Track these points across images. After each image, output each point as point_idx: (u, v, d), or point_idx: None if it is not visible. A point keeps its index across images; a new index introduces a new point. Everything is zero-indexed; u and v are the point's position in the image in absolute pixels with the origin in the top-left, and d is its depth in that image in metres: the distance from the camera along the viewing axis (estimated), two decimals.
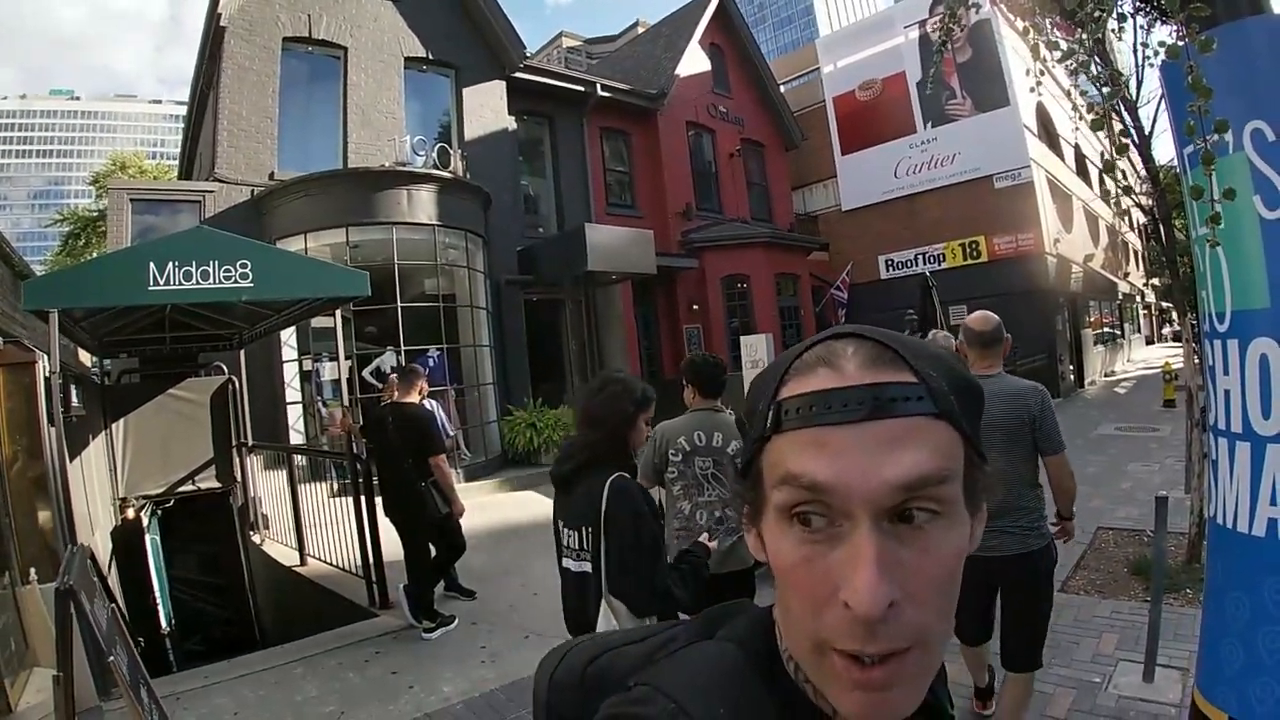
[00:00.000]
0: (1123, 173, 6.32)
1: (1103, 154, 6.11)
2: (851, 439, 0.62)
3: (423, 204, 13.39)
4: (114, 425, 8.81)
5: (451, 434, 9.09)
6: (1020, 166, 20.61)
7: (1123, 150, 5.93)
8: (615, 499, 2.72)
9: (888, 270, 23.08)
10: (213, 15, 13.37)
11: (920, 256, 22.20)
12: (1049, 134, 23.14)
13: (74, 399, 6.76)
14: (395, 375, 6.90)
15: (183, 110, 19.76)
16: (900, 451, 0.62)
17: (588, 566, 2.82)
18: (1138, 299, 38.80)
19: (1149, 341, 44.15)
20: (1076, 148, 25.18)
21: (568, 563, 2.94)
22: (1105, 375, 26.01)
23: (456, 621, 6.25)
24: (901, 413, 0.63)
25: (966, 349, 3.92)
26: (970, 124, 21.41)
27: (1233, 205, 2.31)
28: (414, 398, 6.40)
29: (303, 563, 8.38)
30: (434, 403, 7.84)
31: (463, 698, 4.97)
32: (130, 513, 9.05)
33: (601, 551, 2.75)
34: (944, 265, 21.55)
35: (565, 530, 2.92)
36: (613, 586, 2.74)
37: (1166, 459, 10.56)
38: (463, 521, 6.55)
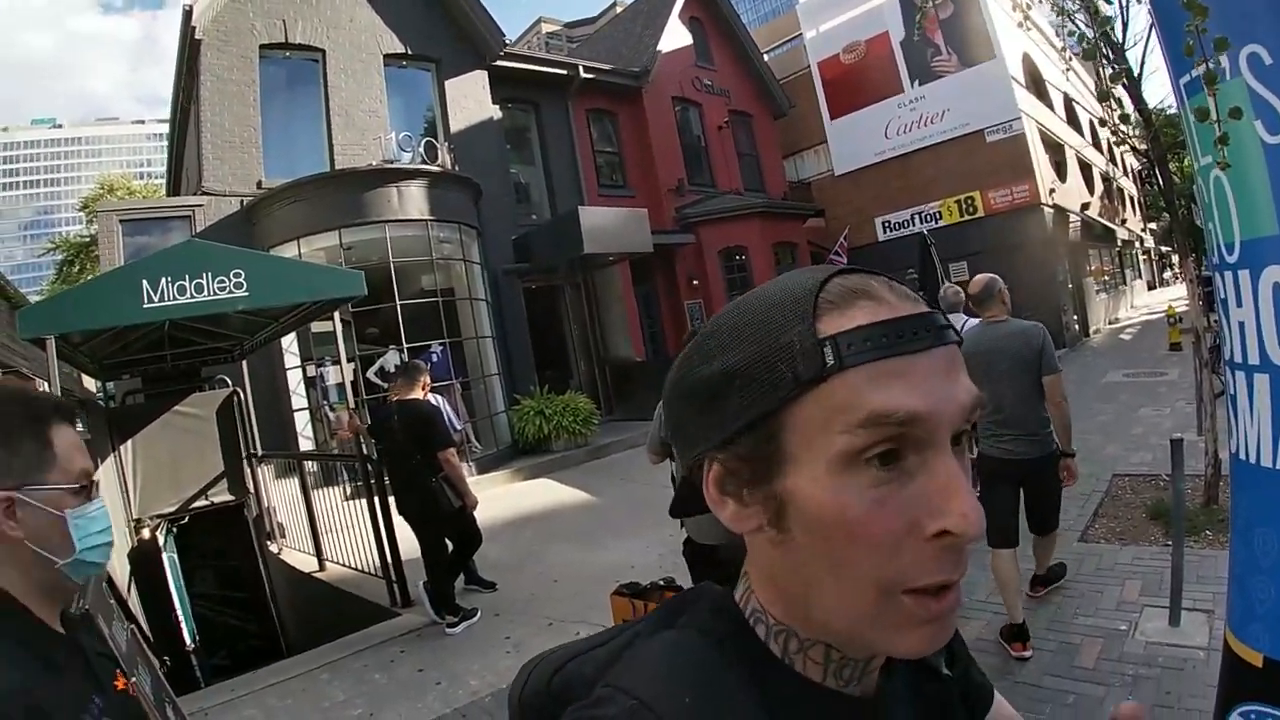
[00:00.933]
0: (1118, 102, 6.26)
1: (1097, 83, 6.04)
2: (927, 367, 0.61)
3: (413, 200, 13.35)
4: (122, 447, 8.74)
5: (459, 427, 9.08)
6: (1010, 119, 20.49)
7: (1116, 79, 5.85)
8: None
9: (885, 232, 22.99)
10: (187, 29, 13.25)
11: (917, 216, 22.13)
12: (1037, 84, 23.00)
13: (79, 425, 6.68)
14: (398, 373, 6.84)
15: (166, 128, 19.69)
16: (959, 376, 0.63)
17: None
18: (1136, 245, 38.63)
19: (1150, 287, 43.96)
20: (1065, 97, 25.01)
21: None
22: (1109, 323, 25.93)
23: (479, 614, 6.25)
24: (949, 340, 0.64)
25: (974, 307, 4.82)
26: (957, 79, 21.26)
27: (1235, 132, 2.25)
28: (418, 394, 6.38)
29: (321, 568, 8.39)
30: (439, 398, 7.81)
31: (490, 690, 4.95)
32: (146, 533, 9.02)
33: None
34: (941, 223, 21.44)
35: None
36: None
37: (1177, 402, 10.52)
38: (478, 513, 6.53)
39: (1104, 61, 6.14)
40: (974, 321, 5.34)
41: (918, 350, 0.61)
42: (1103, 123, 5.82)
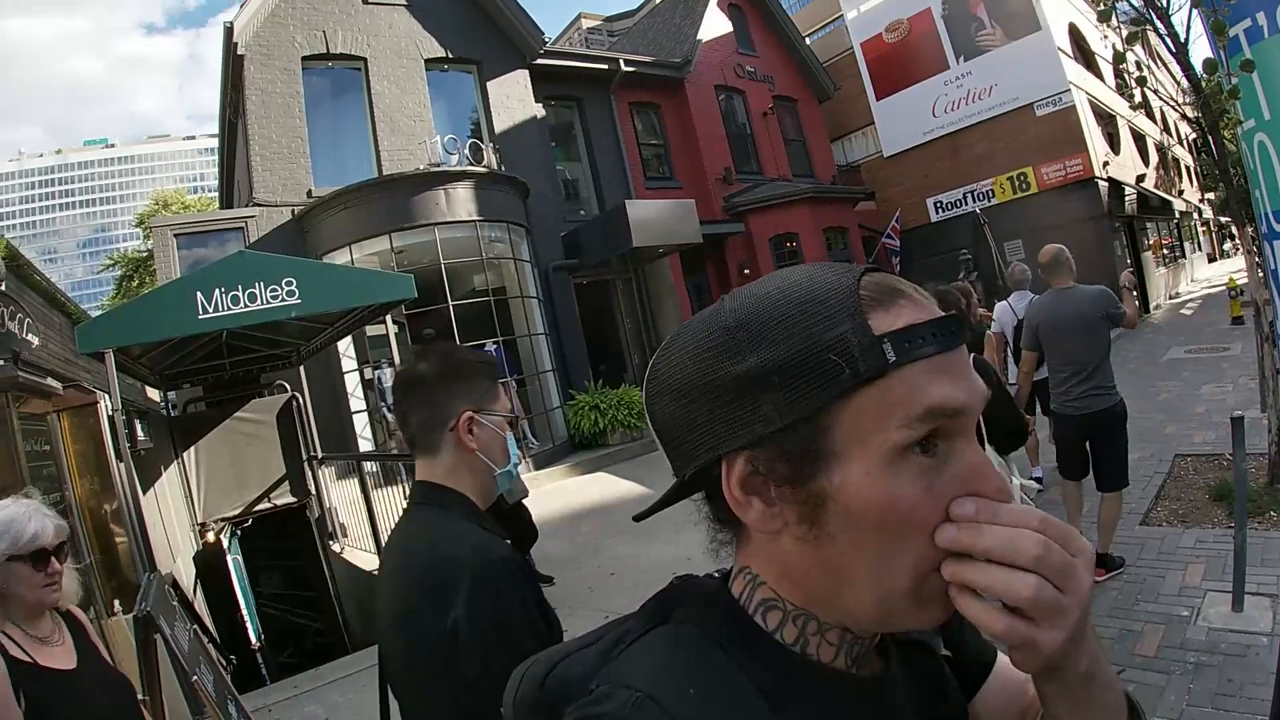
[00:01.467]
0: (1137, 64, 6.03)
1: (1113, 47, 5.86)
2: (962, 362, 0.66)
3: (461, 201, 13.40)
4: (185, 454, 8.94)
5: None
6: (1060, 91, 19.96)
7: (1133, 39, 5.66)
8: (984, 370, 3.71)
9: (938, 212, 22.55)
10: (229, 46, 13.50)
11: (969, 195, 21.68)
12: (1084, 54, 22.42)
13: (140, 433, 6.85)
14: None
15: (216, 143, 20.03)
16: (973, 372, 0.67)
17: None
18: (1195, 216, 37.48)
19: (1211, 259, 42.60)
20: (1114, 65, 24.43)
21: None
22: (1170, 297, 25.21)
23: None
24: (966, 338, 0.68)
25: (1045, 276, 5.25)
26: (1003, 53, 20.78)
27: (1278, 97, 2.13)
28: None
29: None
30: None
31: None
32: (210, 536, 9.21)
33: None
34: (994, 201, 21.06)
35: None
36: None
37: (1240, 378, 10.23)
38: (537, 508, 6.53)
39: (1126, 20, 5.96)
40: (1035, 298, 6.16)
41: (955, 347, 0.65)
42: (1139, 82, 5.68)
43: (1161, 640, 4.05)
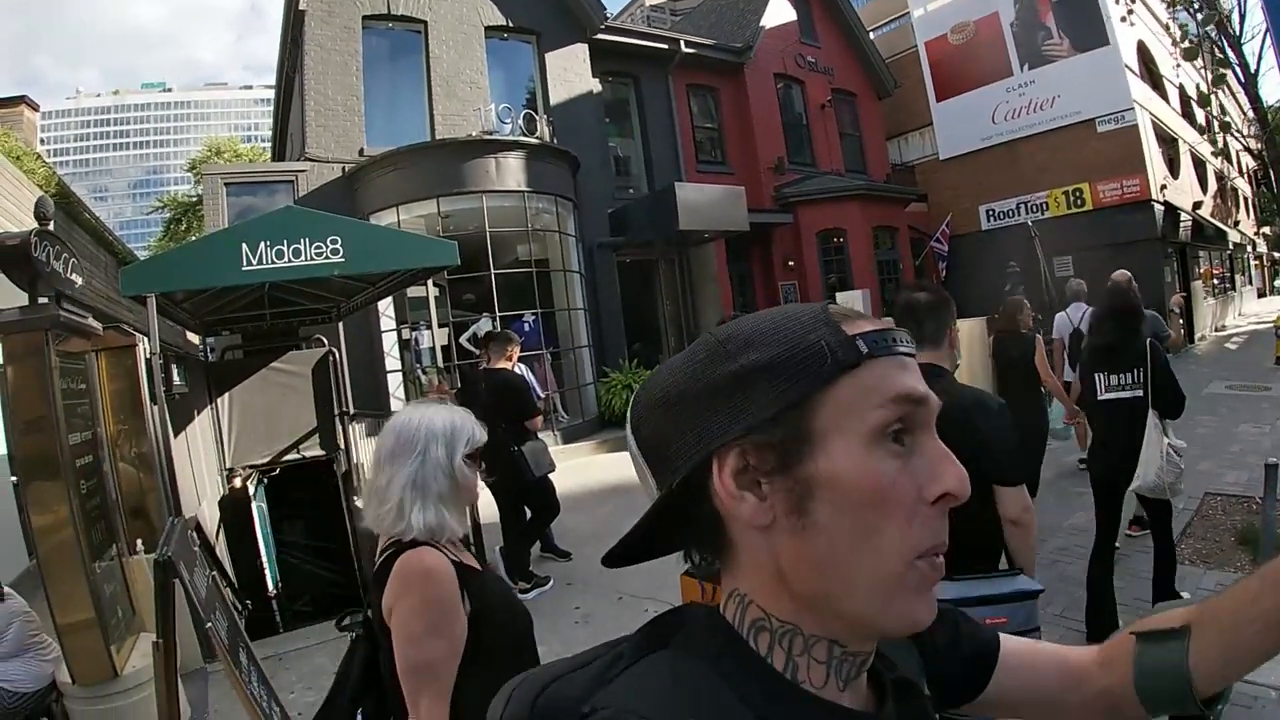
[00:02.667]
0: (1220, 107, 5.86)
1: (1198, 87, 5.73)
2: (915, 366, 0.73)
3: (511, 171, 13.40)
4: (219, 400, 9.04)
5: (542, 397, 9.13)
6: (1123, 109, 19.56)
7: (1219, 81, 5.49)
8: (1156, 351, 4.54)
9: (989, 220, 22.20)
10: (291, 1, 13.49)
11: (1022, 205, 21.33)
12: (1151, 74, 21.98)
13: (176, 378, 6.90)
14: (490, 342, 6.87)
15: (272, 94, 20.14)
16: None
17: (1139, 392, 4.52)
18: (1249, 249, 36.71)
19: (1261, 294, 41.57)
20: (1181, 89, 23.93)
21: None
22: (1216, 330, 24.68)
23: (552, 582, 6.35)
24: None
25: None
26: (1069, 65, 20.39)
27: None
28: (506, 363, 6.43)
29: None
30: (522, 366, 7.82)
31: (555, 658, 4.90)
32: (237, 482, 9.33)
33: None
34: (1047, 214, 20.73)
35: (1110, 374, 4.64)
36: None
37: (1278, 420, 10.02)
38: (561, 483, 6.56)
39: (1211, 59, 5.78)
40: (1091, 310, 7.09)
41: (910, 353, 0.73)
42: (1223, 127, 5.54)
43: None
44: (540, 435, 6.59)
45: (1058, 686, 0.97)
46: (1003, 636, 0.99)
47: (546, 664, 0.81)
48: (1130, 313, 4.70)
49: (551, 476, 6.54)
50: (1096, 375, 4.73)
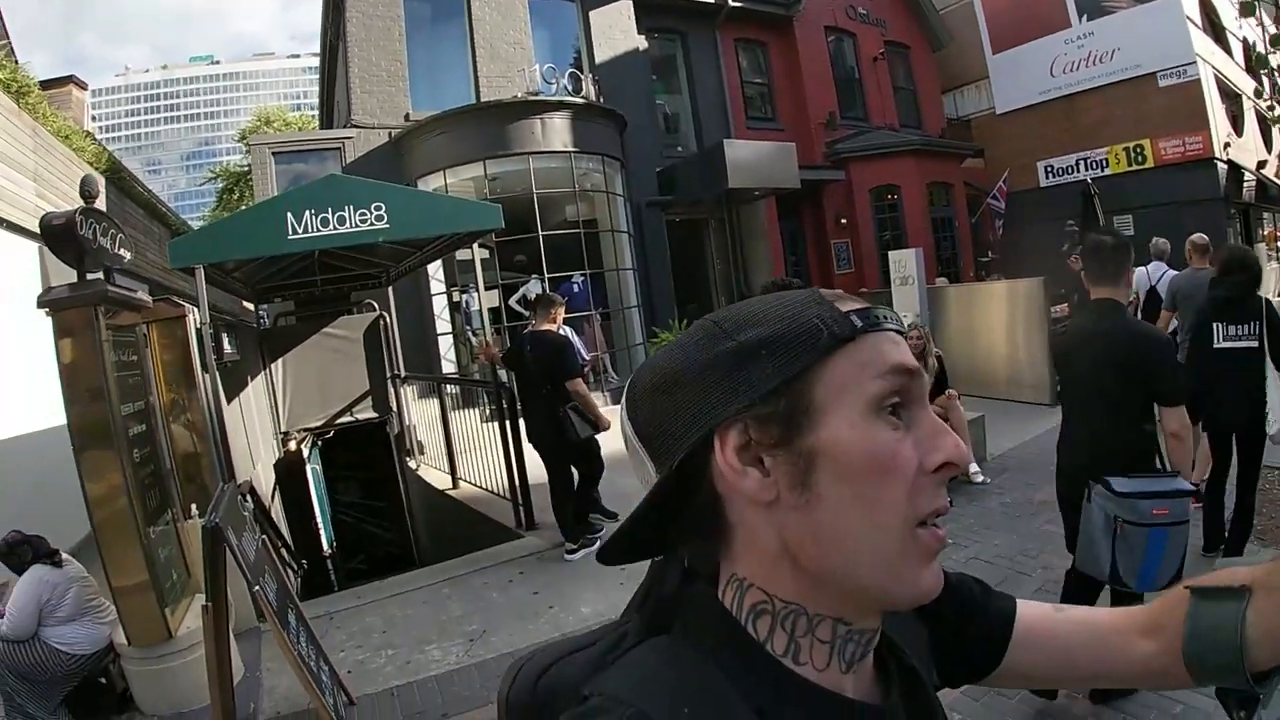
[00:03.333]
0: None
1: (1253, 46, 5.52)
2: (904, 341, 0.73)
3: (557, 132, 13.33)
4: (272, 365, 9.25)
5: (587, 358, 9.15)
6: (1185, 63, 19.04)
7: (1278, 42, 5.22)
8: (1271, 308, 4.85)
9: (1047, 177, 21.71)
10: None
11: (1082, 162, 20.87)
12: (1214, 26, 21.21)
13: (227, 345, 7.01)
14: (535, 304, 6.89)
15: (319, 61, 20.25)
16: None
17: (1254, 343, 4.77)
18: None
19: None
20: (1245, 42, 23.04)
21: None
22: (1277, 295, 23.93)
23: (600, 543, 6.29)
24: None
25: (1193, 258, 6.85)
26: (1129, 16, 19.83)
27: None
28: (551, 325, 6.41)
29: (455, 486, 8.76)
30: (568, 329, 7.82)
31: (600, 619, 5.00)
32: (292, 445, 9.54)
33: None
34: (1107, 171, 20.28)
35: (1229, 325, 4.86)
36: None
37: None
38: (609, 444, 6.56)
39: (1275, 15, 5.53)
40: (1171, 272, 7.93)
41: (900, 331, 0.73)
42: (1262, 63, 5.38)
43: None
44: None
45: (1086, 653, 0.93)
46: (1021, 603, 0.95)
47: (552, 643, 0.84)
48: (1251, 269, 4.94)
49: (600, 439, 6.54)
50: (1215, 325, 5.00)
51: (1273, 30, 4.78)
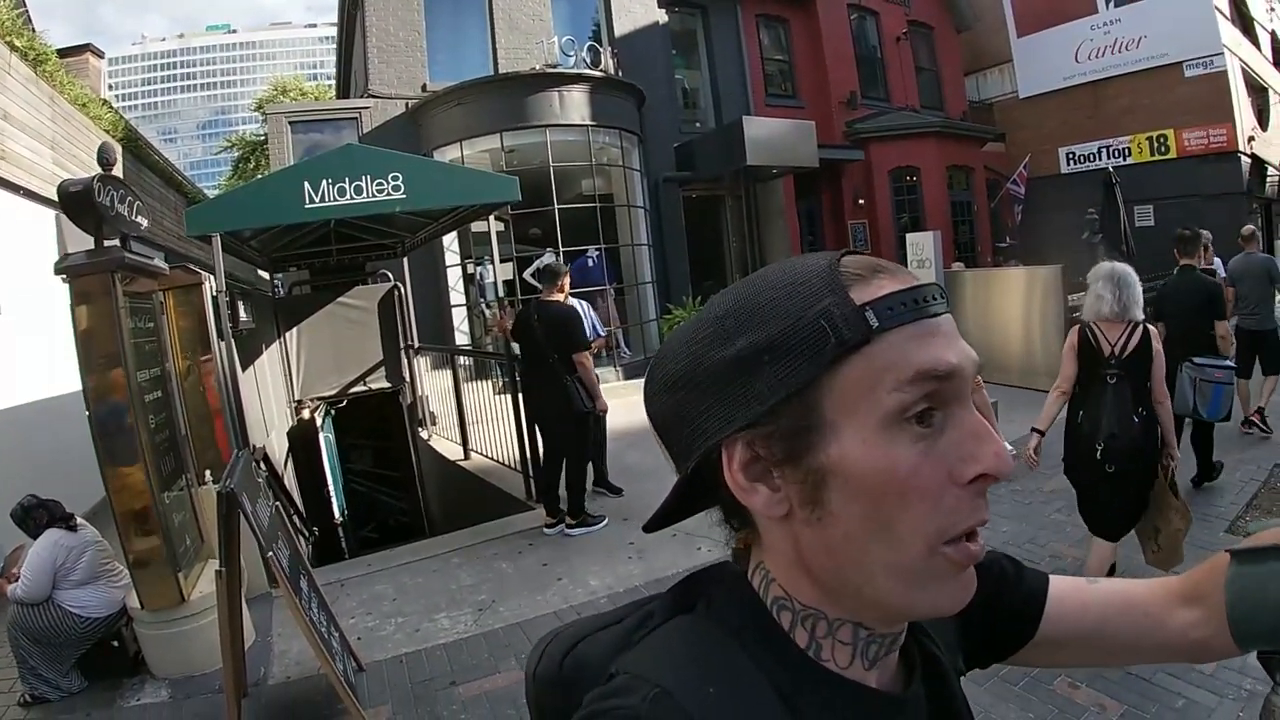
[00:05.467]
0: None
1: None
2: (949, 328, 0.65)
3: (575, 105, 13.28)
4: (287, 334, 9.32)
5: (601, 333, 9.19)
6: (1212, 54, 18.91)
7: None
8: None
9: (1069, 164, 21.60)
10: None
11: (1104, 150, 20.79)
12: (1243, 17, 20.98)
13: (243, 313, 7.05)
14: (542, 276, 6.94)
15: (336, 31, 20.22)
16: (961, 337, 0.66)
17: None
18: None
19: None
20: (1273, 34, 22.72)
21: None
22: None
23: (605, 522, 6.41)
24: (949, 308, 0.67)
25: (1242, 242, 7.96)
26: (1157, 4, 19.67)
27: None
28: (558, 296, 6.46)
29: (466, 457, 8.85)
30: (583, 303, 7.82)
31: (608, 591, 5.17)
32: (305, 413, 9.61)
33: None
34: (1129, 160, 20.17)
35: None
36: None
37: None
38: (621, 419, 6.69)
39: None
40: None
41: (940, 314, 0.64)
42: None
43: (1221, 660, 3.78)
44: (596, 371, 6.59)
45: (1122, 625, 0.90)
46: (1053, 578, 0.92)
47: (578, 620, 0.83)
48: None
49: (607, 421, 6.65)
50: None
51: None
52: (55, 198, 4.34)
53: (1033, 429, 4.44)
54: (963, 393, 0.64)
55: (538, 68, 13.67)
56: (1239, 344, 7.07)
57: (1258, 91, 21.04)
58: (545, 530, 6.31)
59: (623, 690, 0.64)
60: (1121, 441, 4.02)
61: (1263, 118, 20.91)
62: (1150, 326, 4.13)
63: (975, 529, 0.63)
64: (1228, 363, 5.74)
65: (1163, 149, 19.73)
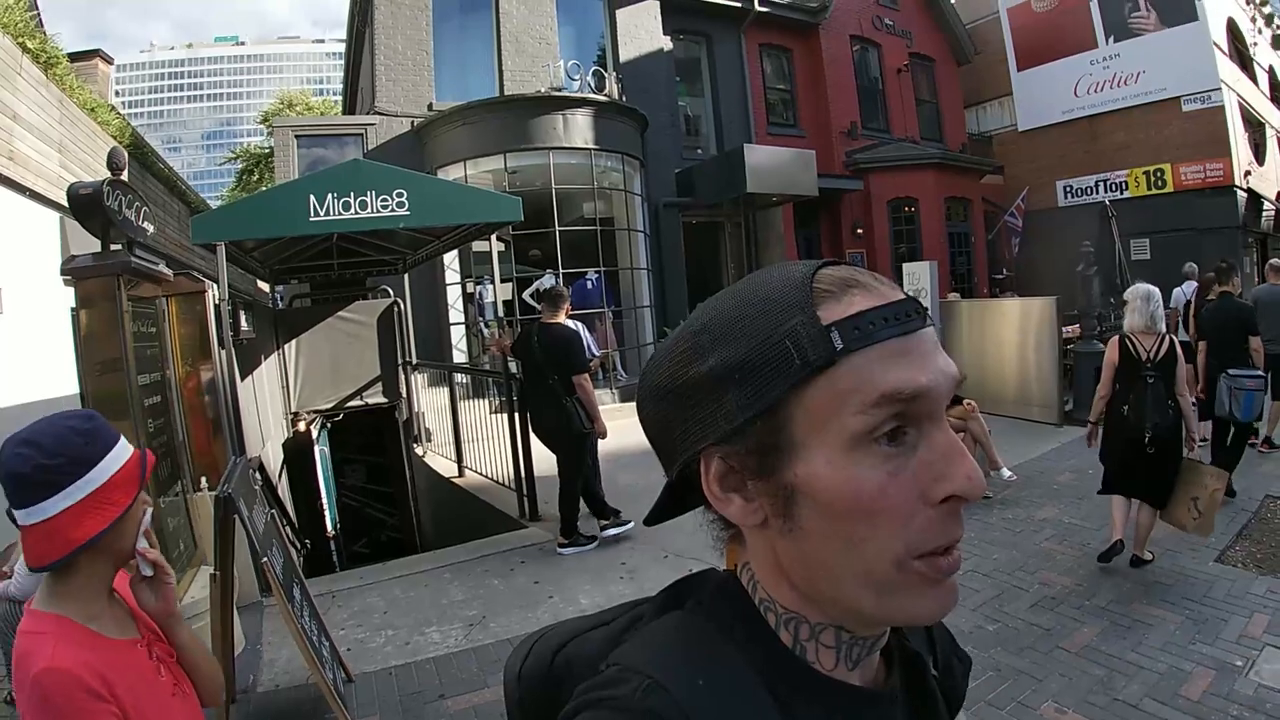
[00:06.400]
0: None
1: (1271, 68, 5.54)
2: (924, 345, 0.64)
3: (579, 128, 13.37)
4: (286, 346, 9.34)
5: (597, 354, 9.20)
6: (1210, 89, 18.96)
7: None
8: None
9: (1066, 197, 21.66)
10: None
11: (1101, 183, 20.83)
12: (1240, 54, 21.15)
13: (244, 323, 7.08)
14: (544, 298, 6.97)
15: (343, 47, 20.36)
16: (941, 353, 0.65)
17: None
18: None
19: None
20: (1271, 71, 22.91)
21: None
22: None
23: (596, 543, 6.41)
24: (930, 322, 0.66)
25: (1270, 275, 8.59)
26: (1155, 39, 19.76)
27: None
28: (560, 319, 6.51)
29: (461, 474, 8.85)
30: (579, 325, 7.88)
31: (598, 610, 5.04)
32: (302, 426, 9.63)
33: None
34: (1126, 193, 20.26)
35: None
36: None
37: None
38: (617, 441, 6.70)
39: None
40: (1192, 284, 10.78)
41: (913, 331, 0.63)
42: None
43: (1208, 686, 3.84)
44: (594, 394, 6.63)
45: None
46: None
47: (567, 621, 0.84)
48: None
49: (602, 443, 6.65)
50: None
51: None
52: (61, 200, 4.39)
53: (1088, 421, 5.79)
54: (936, 411, 0.64)
55: (543, 90, 13.78)
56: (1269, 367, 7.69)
57: (1255, 126, 21.21)
58: (559, 550, 6.30)
59: (614, 681, 0.65)
60: (1162, 429, 5.08)
61: (1259, 153, 21.07)
62: (1173, 337, 5.32)
63: (946, 548, 0.63)
64: (1258, 372, 6.70)
65: (1160, 183, 19.82)
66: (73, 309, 4.18)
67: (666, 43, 16.47)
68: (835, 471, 0.61)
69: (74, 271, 4.11)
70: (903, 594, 0.63)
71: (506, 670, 0.83)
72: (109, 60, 15.13)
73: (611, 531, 6.38)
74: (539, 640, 0.83)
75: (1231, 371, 6.60)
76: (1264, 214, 20.37)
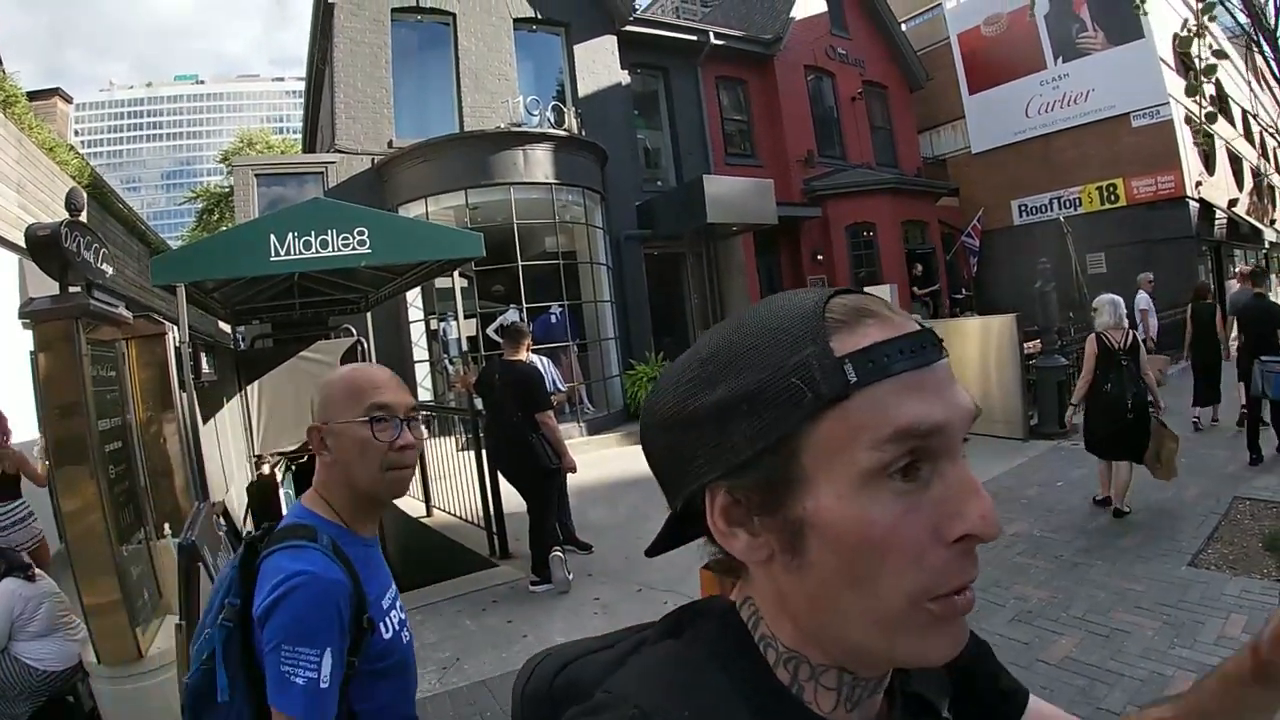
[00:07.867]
0: (1211, 99, 5.84)
1: (1191, 71, 5.70)
2: (940, 379, 0.63)
3: (539, 163, 13.42)
4: (249, 388, 9.19)
5: (562, 389, 9.18)
6: (1158, 104, 19.47)
7: (1210, 72, 5.42)
8: None
9: (1021, 215, 22.11)
10: None
11: (1056, 201, 21.29)
12: (1187, 68, 21.66)
13: (205, 366, 7.00)
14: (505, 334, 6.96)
15: (303, 85, 20.35)
16: (958, 386, 0.65)
17: None
18: None
19: None
20: (1217, 83, 23.46)
21: None
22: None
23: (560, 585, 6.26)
24: (945, 354, 0.65)
25: (1251, 284, 9.13)
26: (1103, 58, 20.29)
27: None
28: (522, 355, 6.53)
29: (429, 514, 8.82)
30: (544, 360, 7.89)
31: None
32: (266, 469, 9.45)
33: None
34: (1080, 210, 20.71)
35: None
36: None
37: None
38: (585, 475, 6.67)
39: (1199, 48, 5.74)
40: (1143, 295, 13.18)
41: (929, 364, 0.62)
42: (1192, 91, 5.53)
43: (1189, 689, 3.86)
44: (560, 429, 6.61)
45: None
46: (1032, 699, 0.93)
47: (572, 642, 0.83)
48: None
49: (571, 477, 6.67)
50: None
51: (1210, 63, 4.94)
52: (19, 241, 4.32)
53: (1070, 404, 7.48)
54: (952, 447, 0.62)
55: (502, 126, 13.81)
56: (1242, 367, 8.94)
57: (1203, 137, 21.83)
58: (531, 588, 6.17)
59: (601, 708, 0.65)
60: (1139, 398, 6.55)
61: (1209, 163, 21.55)
62: (1134, 332, 6.98)
63: (960, 589, 0.62)
64: None
65: (1113, 198, 20.26)
66: (31, 352, 4.11)
67: (624, 77, 16.63)
68: (846, 507, 0.60)
69: (32, 314, 4.04)
70: (914, 634, 0.62)
71: (513, 688, 0.84)
72: (68, 99, 15.02)
73: (543, 589, 6.15)
74: (543, 660, 0.82)
75: (1264, 358, 7.95)
76: (1216, 223, 20.79)
